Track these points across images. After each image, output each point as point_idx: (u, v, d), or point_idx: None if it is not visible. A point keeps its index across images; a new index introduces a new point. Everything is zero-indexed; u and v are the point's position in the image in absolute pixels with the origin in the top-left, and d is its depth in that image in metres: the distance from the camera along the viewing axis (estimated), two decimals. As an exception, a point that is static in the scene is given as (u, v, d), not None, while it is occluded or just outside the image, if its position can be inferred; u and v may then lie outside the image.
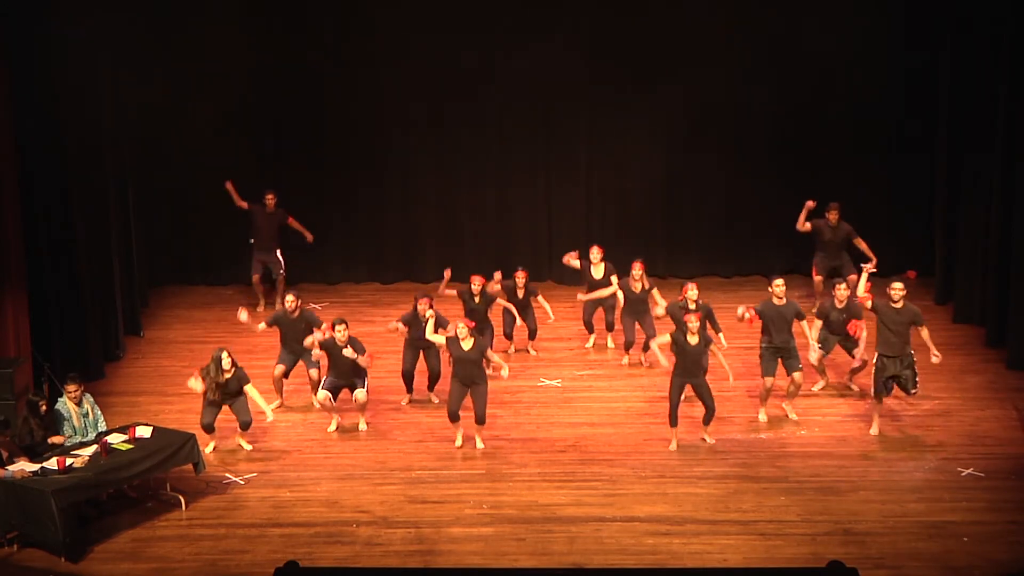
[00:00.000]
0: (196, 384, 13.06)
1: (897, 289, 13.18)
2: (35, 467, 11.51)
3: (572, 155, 18.54)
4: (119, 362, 15.86)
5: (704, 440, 13.39)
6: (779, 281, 13.72)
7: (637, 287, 15.12)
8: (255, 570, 11.03)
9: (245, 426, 13.31)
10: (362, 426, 13.92)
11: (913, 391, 13.36)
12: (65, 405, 12.33)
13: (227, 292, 18.26)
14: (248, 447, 13.41)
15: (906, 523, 11.67)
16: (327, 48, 18.12)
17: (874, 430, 13.44)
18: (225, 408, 13.23)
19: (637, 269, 15.12)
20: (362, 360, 13.53)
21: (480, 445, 13.34)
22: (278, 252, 17.29)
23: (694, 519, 11.82)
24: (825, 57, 17.96)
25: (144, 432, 12.28)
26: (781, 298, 13.65)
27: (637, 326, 15.30)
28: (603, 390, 14.84)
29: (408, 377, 14.49)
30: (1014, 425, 13.68)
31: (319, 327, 13.96)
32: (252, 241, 17.37)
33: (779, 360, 13.77)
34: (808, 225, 16.43)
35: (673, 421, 13.27)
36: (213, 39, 17.88)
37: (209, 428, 13.22)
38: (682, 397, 13.26)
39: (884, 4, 17.76)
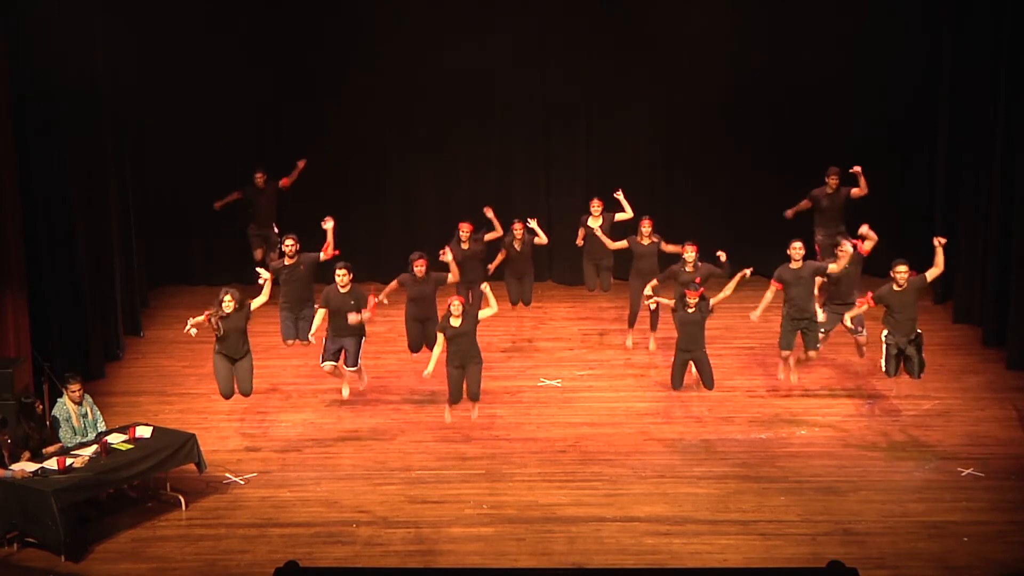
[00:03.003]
0: (195, 322, 13.14)
1: (902, 272, 13.20)
2: (35, 467, 11.51)
3: (572, 156, 18.57)
4: (119, 362, 15.87)
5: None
6: (797, 244, 13.85)
7: (646, 241, 15.30)
8: (255, 570, 11.03)
9: (244, 394, 13.47)
10: (362, 385, 14.17)
11: (920, 375, 13.45)
12: (64, 406, 12.32)
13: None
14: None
15: (906, 523, 11.67)
16: (327, 49, 18.13)
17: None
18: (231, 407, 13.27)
19: (646, 226, 15.35)
20: (354, 317, 13.56)
21: (475, 415, 13.56)
22: (274, 228, 17.24)
23: (694, 519, 11.82)
24: (825, 57, 17.96)
25: (144, 432, 12.28)
26: (798, 261, 13.74)
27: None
28: (603, 390, 14.84)
29: (414, 349, 14.57)
30: (1014, 425, 13.68)
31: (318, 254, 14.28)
32: (249, 230, 17.46)
33: (799, 333, 13.91)
34: (804, 204, 16.37)
35: (676, 386, 13.83)
36: (214, 40, 17.90)
37: (227, 394, 13.40)
38: (685, 372, 13.65)
39: (883, 4, 17.78)
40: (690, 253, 14.50)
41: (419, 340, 14.48)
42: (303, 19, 18.07)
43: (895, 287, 13.27)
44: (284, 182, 17.33)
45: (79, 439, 12.21)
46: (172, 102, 18.06)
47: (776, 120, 18.30)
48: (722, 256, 14.41)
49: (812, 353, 14.04)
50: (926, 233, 17.85)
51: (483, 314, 13.56)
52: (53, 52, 14.19)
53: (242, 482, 12.69)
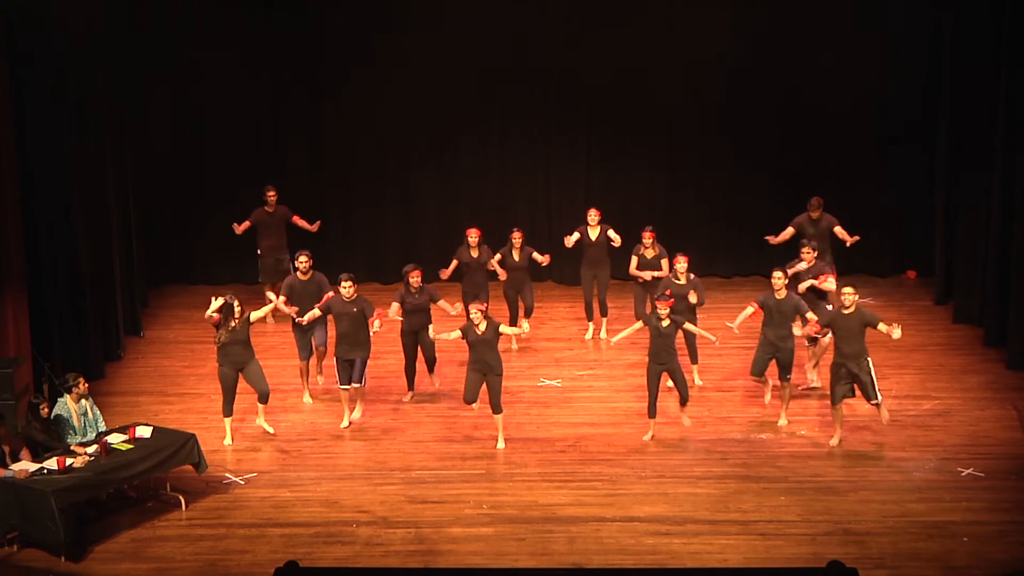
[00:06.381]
0: (214, 307, 13.18)
1: (848, 294, 12.91)
2: (35, 467, 11.51)
3: (572, 156, 18.58)
4: (119, 362, 15.87)
5: (682, 422, 13.49)
6: (778, 273, 13.61)
7: (649, 254, 15.29)
8: (255, 570, 11.03)
9: (264, 397, 13.44)
10: (356, 415, 13.97)
11: (874, 401, 13.05)
12: (65, 405, 12.32)
13: (227, 292, 18.21)
14: (271, 429, 13.59)
15: (906, 523, 11.67)
16: (327, 50, 18.15)
17: (835, 440, 13.23)
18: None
19: (647, 237, 15.34)
20: (374, 324, 13.61)
21: (501, 445, 13.35)
22: (287, 256, 16.76)
23: (694, 519, 11.82)
24: (824, 58, 17.99)
25: (144, 432, 12.28)
26: (780, 291, 13.55)
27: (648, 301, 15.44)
28: (603, 390, 14.84)
29: (411, 372, 14.53)
30: (1014, 425, 13.68)
31: (328, 291, 14.22)
32: (259, 252, 17.04)
33: (773, 361, 13.66)
34: (789, 232, 15.98)
35: (652, 412, 13.38)
36: (214, 41, 17.93)
37: (228, 409, 13.35)
38: (660, 387, 13.38)
39: (883, 5, 17.79)
40: (681, 264, 14.39)
41: (413, 354, 14.43)
42: (304, 21, 18.10)
43: (843, 309, 13.03)
44: (296, 218, 16.93)
45: (79, 439, 12.21)
46: (172, 103, 18.09)
47: (776, 122, 18.32)
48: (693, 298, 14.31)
49: (786, 384, 13.68)
50: (926, 233, 17.96)
51: (504, 329, 13.45)
52: (54, 53, 14.19)
53: (242, 482, 12.69)
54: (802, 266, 14.34)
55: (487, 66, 18.18)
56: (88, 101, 15.20)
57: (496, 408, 13.33)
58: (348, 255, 18.34)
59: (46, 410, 12.15)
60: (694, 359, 14.81)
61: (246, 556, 11.31)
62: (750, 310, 13.73)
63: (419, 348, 14.40)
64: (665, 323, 13.19)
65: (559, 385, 15.00)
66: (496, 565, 11.04)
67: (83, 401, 12.40)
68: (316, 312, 13.93)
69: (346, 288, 13.71)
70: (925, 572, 10.91)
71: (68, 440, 12.15)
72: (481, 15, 17.94)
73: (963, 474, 12.58)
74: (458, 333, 13.31)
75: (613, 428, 13.80)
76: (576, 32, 18.08)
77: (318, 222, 17.05)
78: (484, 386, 13.28)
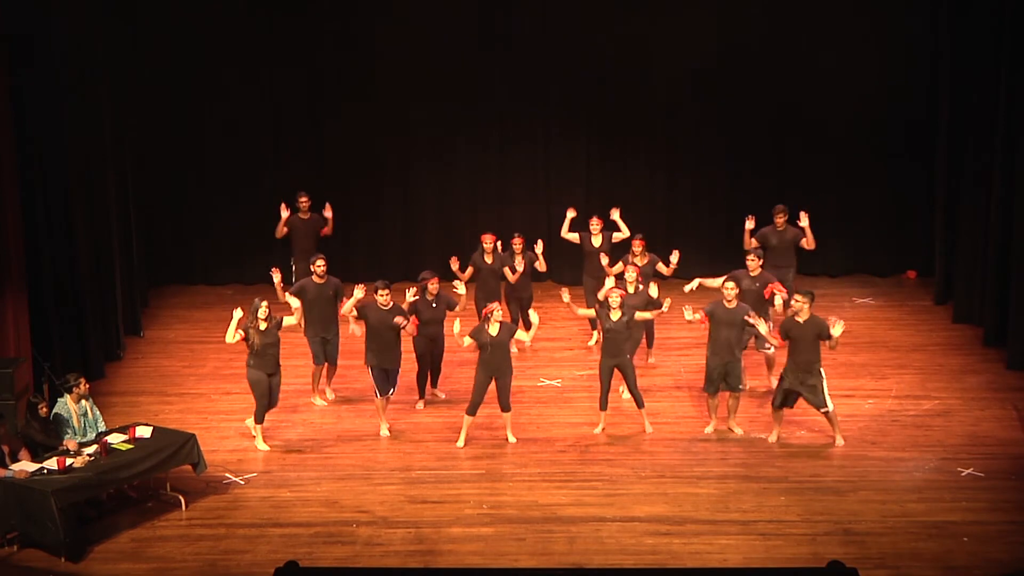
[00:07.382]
0: (233, 334, 13.10)
1: (799, 301, 12.89)
2: (35, 467, 11.51)
3: (572, 156, 18.58)
4: (119, 362, 15.87)
5: (644, 430, 13.51)
6: (730, 285, 13.48)
7: (639, 262, 15.21)
8: (255, 570, 11.03)
9: (273, 406, 13.45)
10: (383, 431, 13.77)
11: (823, 409, 13.04)
12: (65, 405, 12.32)
13: (227, 292, 18.27)
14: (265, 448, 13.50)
15: (906, 523, 11.67)
16: (327, 50, 18.16)
17: (772, 438, 13.29)
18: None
19: (637, 245, 15.22)
20: (404, 324, 13.43)
21: (512, 439, 13.37)
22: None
23: (694, 519, 11.82)
24: (824, 58, 18.00)
25: (144, 432, 12.28)
26: (731, 301, 13.40)
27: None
28: (603, 390, 14.84)
29: (423, 379, 14.44)
30: (1014, 425, 13.69)
31: (346, 295, 14.03)
32: (293, 258, 16.56)
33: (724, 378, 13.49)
34: (754, 241, 15.77)
35: (602, 405, 13.48)
36: (214, 39, 17.94)
37: (261, 416, 13.35)
38: (611, 378, 13.45)
39: (883, 4, 17.80)
40: (631, 273, 14.28)
41: (426, 363, 14.38)
42: (304, 21, 18.09)
43: (796, 317, 12.96)
44: (326, 231, 16.49)
45: (79, 439, 12.20)
46: (172, 103, 18.09)
47: (776, 122, 18.32)
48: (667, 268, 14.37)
49: (738, 393, 13.56)
50: (926, 233, 17.97)
51: (521, 335, 13.49)
52: (54, 53, 14.19)
53: (242, 482, 12.69)
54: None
55: (487, 66, 18.18)
56: (88, 101, 15.20)
57: (506, 407, 13.33)
58: (348, 255, 18.34)
59: (45, 410, 12.14)
60: (650, 343, 15.42)
61: (246, 556, 11.31)
62: (696, 317, 13.43)
63: (430, 356, 14.34)
64: (615, 315, 13.19)
65: (559, 385, 15.01)
66: (496, 565, 11.04)
67: (83, 401, 12.39)
68: (356, 320, 13.71)
69: (383, 296, 13.53)
70: (925, 572, 10.91)
71: (72, 440, 12.14)
72: (481, 15, 17.94)
73: (963, 474, 12.58)
74: (470, 340, 13.19)
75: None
76: (576, 32, 18.08)
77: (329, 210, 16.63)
78: (493, 386, 13.25)
